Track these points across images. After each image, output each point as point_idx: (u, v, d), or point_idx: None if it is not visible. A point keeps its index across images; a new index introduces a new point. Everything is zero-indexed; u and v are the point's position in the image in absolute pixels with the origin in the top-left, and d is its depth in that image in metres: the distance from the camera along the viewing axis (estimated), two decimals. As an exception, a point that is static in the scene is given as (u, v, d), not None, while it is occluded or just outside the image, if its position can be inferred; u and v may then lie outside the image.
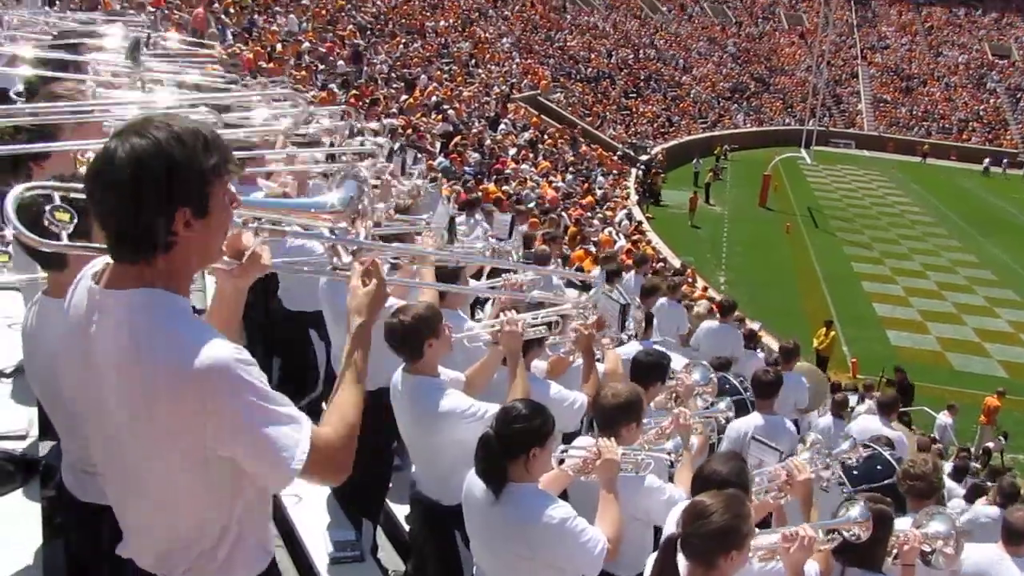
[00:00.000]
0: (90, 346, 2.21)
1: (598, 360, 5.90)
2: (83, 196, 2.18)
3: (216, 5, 22.92)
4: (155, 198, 2.07)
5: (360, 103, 21.13)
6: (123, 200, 2.06)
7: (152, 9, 17.73)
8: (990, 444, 18.17)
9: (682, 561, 3.26)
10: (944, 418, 19.03)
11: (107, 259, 2.26)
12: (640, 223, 30.98)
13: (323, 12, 30.78)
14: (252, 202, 2.52)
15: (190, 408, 2.09)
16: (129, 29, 6.90)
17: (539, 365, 5.12)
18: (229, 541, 2.35)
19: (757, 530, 3.55)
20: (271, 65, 19.81)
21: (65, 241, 2.49)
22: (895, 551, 4.27)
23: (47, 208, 2.48)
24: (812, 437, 4.82)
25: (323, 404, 2.58)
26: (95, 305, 2.21)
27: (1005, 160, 61.30)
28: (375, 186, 8.26)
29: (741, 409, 7.15)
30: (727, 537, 3.19)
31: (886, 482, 5.91)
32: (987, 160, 61.09)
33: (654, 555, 3.56)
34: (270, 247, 2.69)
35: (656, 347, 7.02)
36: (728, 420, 5.42)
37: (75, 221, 2.50)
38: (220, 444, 2.15)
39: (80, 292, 2.31)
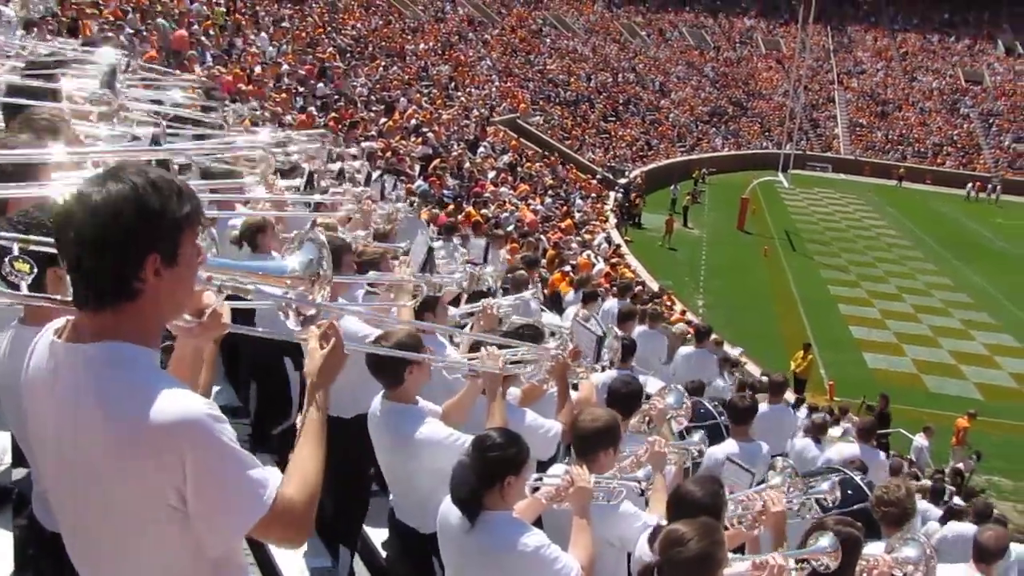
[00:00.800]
0: (52, 401, 2.19)
1: (572, 388, 5.94)
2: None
3: (196, 27, 22.93)
4: (128, 242, 2.08)
5: (339, 126, 21.18)
6: (96, 242, 2.06)
7: (131, 31, 17.71)
8: (960, 465, 18.27)
9: None
10: (920, 440, 19.14)
11: (69, 316, 2.25)
12: (619, 246, 31.10)
13: (303, 35, 30.84)
14: (213, 263, 2.55)
15: (159, 463, 2.07)
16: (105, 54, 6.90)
17: (513, 392, 5.14)
18: None
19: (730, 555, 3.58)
20: (250, 87, 19.83)
21: (24, 292, 2.49)
22: (864, 575, 4.29)
23: (6, 259, 2.48)
24: (782, 462, 4.86)
25: (296, 432, 2.60)
26: (58, 361, 2.20)
27: (992, 185, 61.70)
28: (355, 212, 8.33)
29: (716, 434, 7.19)
30: (703, 564, 3.21)
31: (857, 507, 5.94)
32: (969, 185, 61.50)
33: None
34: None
35: (631, 375, 7.06)
36: (701, 453, 5.45)
37: (34, 272, 2.51)
38: (187, 496, 2.12)
39: (41, 348, 2.28)
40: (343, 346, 2.64)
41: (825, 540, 3.96)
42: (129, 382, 2.10)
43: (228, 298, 2.66)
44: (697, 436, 5.46)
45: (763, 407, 9.79)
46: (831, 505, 4.72)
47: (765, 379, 13.78)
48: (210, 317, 2.56)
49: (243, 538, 2.24)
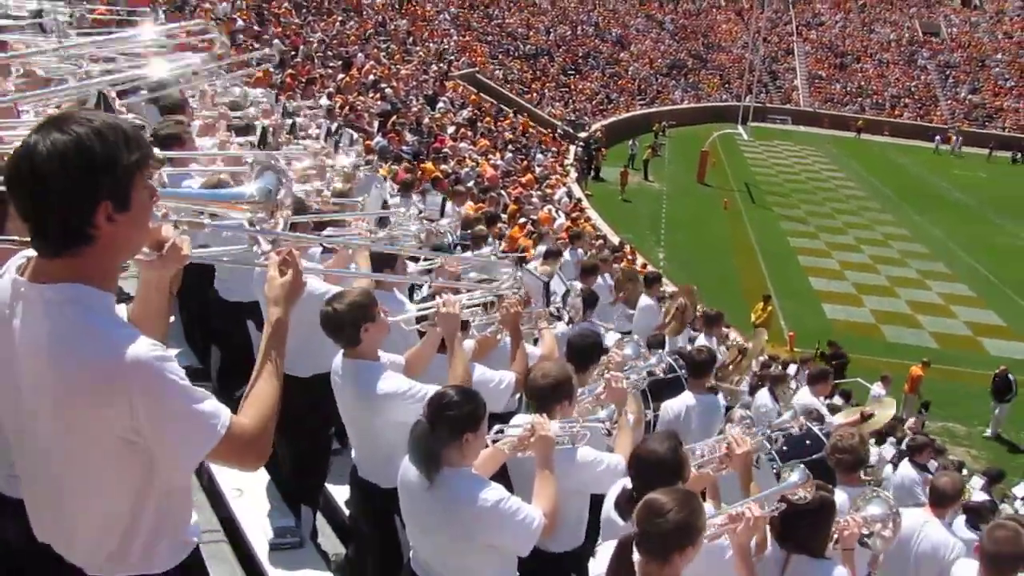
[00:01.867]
0: (11, 337, 2.23)
1: (535, 343, 5.96)
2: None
3: (148, -19, 22.42)
4: (76, 192, 2.09)
5: (296, 82, 20.87)
6: (44, 194, 2.07)
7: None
8: (911, 421, 18.53)
9: (635, 556, 3.30)
10: (878, 389, 19.37)
11: (31, 252, 2.27)
12: (579, 200, 31.09)
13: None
14: (170, 193, 2.52)
15: (109, 403, 2.13)
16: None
17: (467, 344, 5.14)
18: (137, 541, 2.37)
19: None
20: (204, 44, 19.45)
21: None
22: (835, 535, 4.35)
23: None
24: (739, 413, 4.91)
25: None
26: (19, 296, 2.22)
27: (954, 136, 62.24)
28: (311, 168, 8.23)
29: (677, 386, 7.22)
30: (682, 533, 3.23)
31: (815, 456, 6.04)
32: (938, 137, 61.83)
33: (606, 547, 3.59)
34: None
35: (590, 327, 7.09)
36: (664, 372, 5.49)
37: None
38: (143, 432, 2.18)
39: (3, 284, 2.30)
40: (301, 273, 2.68)
41: (796, 475, 4.01)
42: (83, 325, 2.14)
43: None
44: (654, 358, 5.50)
45: (700, 338, 9.94)
46: (800, 431, 4.77)
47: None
48: (170, 249, 2.59)
49: (210, 442, 2.28)
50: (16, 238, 2.46)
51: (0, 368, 2.28)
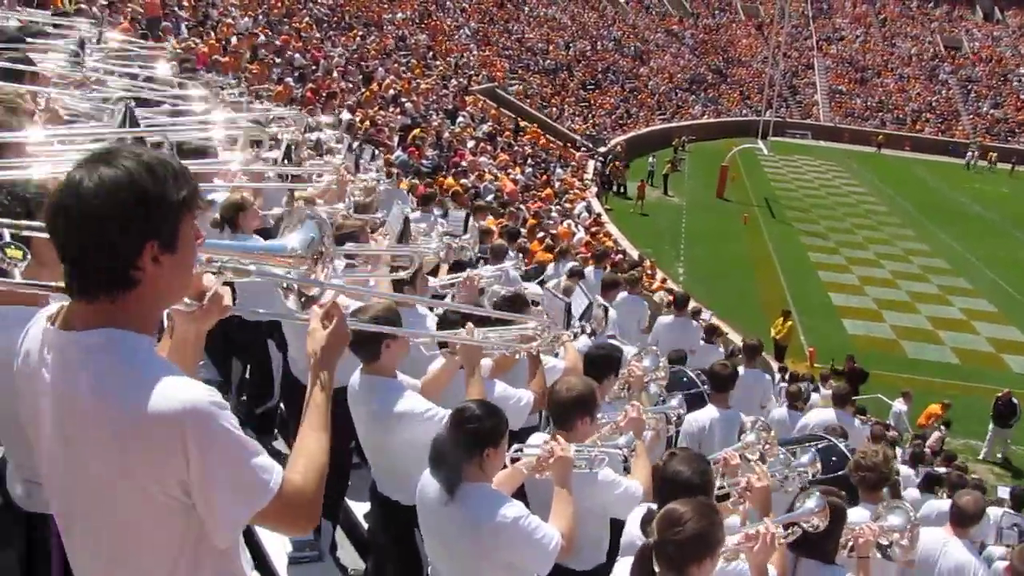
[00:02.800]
0: (48, 393, 2.11)
1: (557, 356, 5.95)
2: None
3: (169, -2, 22.64)
4: (124, 230, 1.99)
5: (317, 97, 21.00)
6: (90, 232, 1.97)
7: (103, 2, 17.45)
8: (933, 436, 18.31)
9: (655, 567, 3.29)
10: (899, 405, 19.29)
11: (63, 301, 2.17)
12: (599, 215, 31.09)
13: (279, 5, 30.51)
14: (211, 244, 2.49)
15: (161, 454, 2.01)
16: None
17: (484, 362, 5.14)
18: None
19: None
20: (226, 59, 19.61)
21: (18, 279, 2.42)
22: (850, 543, 4.33)
23: None
24: (752, 420, 4.89)
25: (278, 411, 2.57)
26: (50, 346, 2.11)
27: (978, 151, 61.81)
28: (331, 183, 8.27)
29: (698, 402, 7.22)
30: (701, 544, 3.21)
31: (840, 473, 6.00)
32: (969, 153, 61.34)
33: (626, 561, 3.58)
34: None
35: (608, 340, 7.08)
36: (680, 417, 5.47)
37: (28, 259, 2.44)
38: (192, 486, 2.06)
39: (33, 333, 2.21)
40: (346, 325, 2.59)
41: (812, 502, 4.01)
42: (128, 370, 2.02)
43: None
44: (675, 400, 5.48)
45: (739, 370, 9.88)
46: (813, 478, 4.75)
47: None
48: (211, 300, 2.49)
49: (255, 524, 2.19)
50: (53, 284, 2.37)
51: (38, 420, 2.17)
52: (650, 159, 44.68)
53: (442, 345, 4.89)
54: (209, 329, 2.61)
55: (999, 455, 19.82)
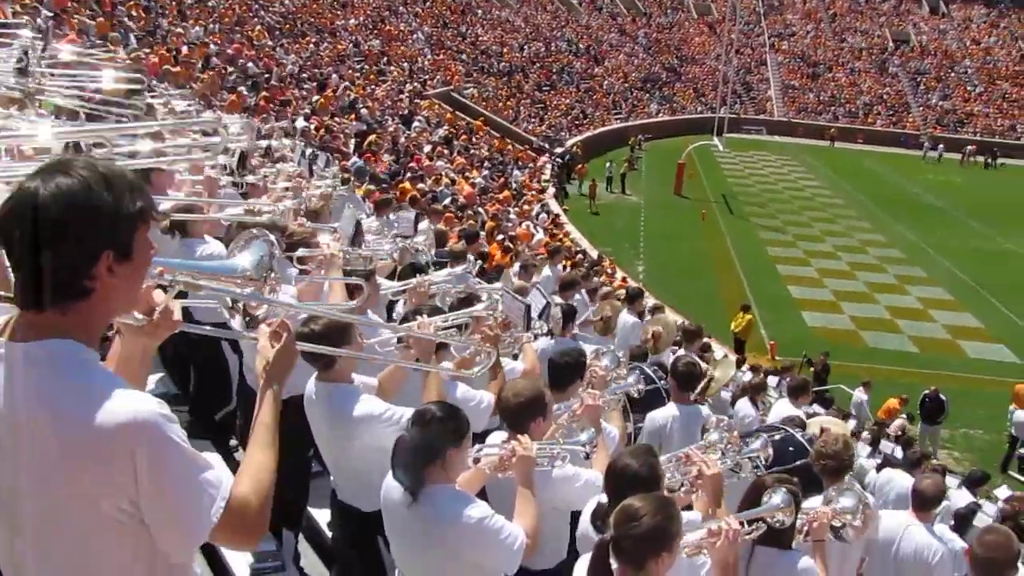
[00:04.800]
0: None
1: (516, 358, 5.95)
2: None
3: (119, 8, 22.34)
4: (80, 240, 2.00)
5: (271, 105, 20.86)
6: (47, 240, 1.96)
7: (48, 14, 17.20)
8: (896, 422, 18.47)
9: (613, 564, 3.28)
10: (860, 395, 19.48)
11: (10, 314, 2.15)
12: (557, 216, 31.15)
13: (230, 13, 30.27)
14: (162, 262, 2.48)
15: (110, 467, 1.99)
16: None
17: (446, 365, 5.13)
18: None
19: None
20: (177, 69, 19.41)
21: None
22: (805, 528, 4.36)
23: None
24: (716, 419, 4.91)
25: (236, 417, 2.55)
26: None
27: (941, 146, 62.77)
28: (286, 189, 8.21)
29: (656, 398, 7.22)
30: (657, 539, 3.21)
31: (798, 463, 6.04)
32: (941, 146, 62.45)
33: (585, 559, 3.57)
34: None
35: (571, 343, 7.08)
36: (640, 393, 5.48)
37: None
38: (141, 501, 2.05)
39: None
40: (295, 343, 2.61)
41: (778, 497, 4.01)
42: (77, 383, 2.01)
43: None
44: (632, 376, 5.48)
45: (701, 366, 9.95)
46: (765, 463, 4.77)
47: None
48: (161, 315, 2.46)
49: (205, 531, 2.14)
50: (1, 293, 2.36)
51: None
52: (608, 164, 44.61)
53: (398, 341, 4.88)
54: (168, 339, 2.58)
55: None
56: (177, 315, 2.51)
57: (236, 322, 2.66)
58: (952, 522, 9.91)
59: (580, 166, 41.57)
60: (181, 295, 2.56)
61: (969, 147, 62.28)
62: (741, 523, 3.84)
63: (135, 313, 2.40)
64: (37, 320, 2.05)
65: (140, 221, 2.10)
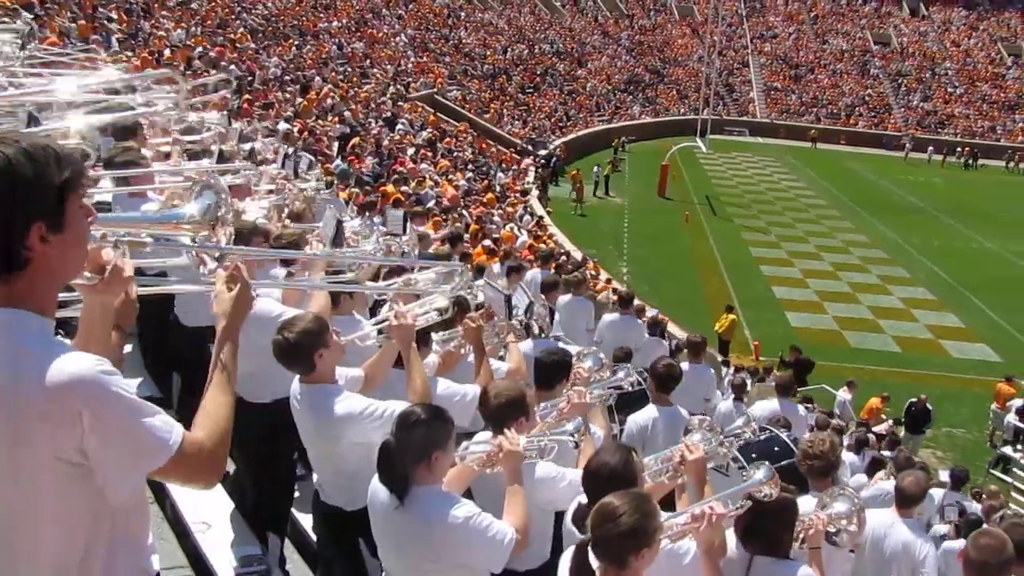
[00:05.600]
0: None
1: (502, 358, 5.94)
2: None
3: (100, 11, 22.24)
4: (8, 215, 2.07)
5: (253, 107, 20.78)
6: None
7: (29, 16, 17.08)
8: (884, 425, 18.57)
9: (594, 562, 3.28)
10: (843, 394, 19.53)
11: None
12: (541, 218, 31.14)
13: (213, 15, 30.15)
14: (108, 218, 2.50)
15: (56, 424, 2.08)
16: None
17: (431, 360, 5.11)
18: (97, 563, 2.30)
19: (665, 513, 3.58)
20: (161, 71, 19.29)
21: None
22: (801, 535, 4.34)
23: None
24: (698, 419, 4.91)
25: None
26: None
27: (931, 148, 63.04)
28: (271, 191, 8.19)
29: (642, 400, 7.23)
30: (637, 536, 3.22)
31: (784, 463, 6.05)
32: (931, 148, 62.71)
33: (567, 556, 3.57)
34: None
35: (558, 343, 7.07)
36: (632, 386, 5.48)
37: None
38: (88, 452, 2.13)
39: None
40: (249, 287, 2.67)
41: (760, 472, 3.98)
42: (19, 348, 2.10)
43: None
44: (621, 372, 5.49)
45: (683, 366, 9.95)
46: (753, 440, 4.77)
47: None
48: (111, 272, 2.56)
49: (157, 478, 2.28)
50: None
51: None
52: (595, 169, 44.42)
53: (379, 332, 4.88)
54: (145, 340, 2.61)
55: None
56: (128, 271, 2.60)
57: (210, 264, 2.74)
58: (949, 521, 10.02)
59: (575, 171, 41.36)
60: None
61: (959, 149, 62.77)
62: (725, 504, 3.83)
63: (85, 273, 2.49)
64: None
65: (69, 191, 2.17)
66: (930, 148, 62.88)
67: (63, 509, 2.21)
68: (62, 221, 2.16)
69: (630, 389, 5.62)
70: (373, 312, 6.96)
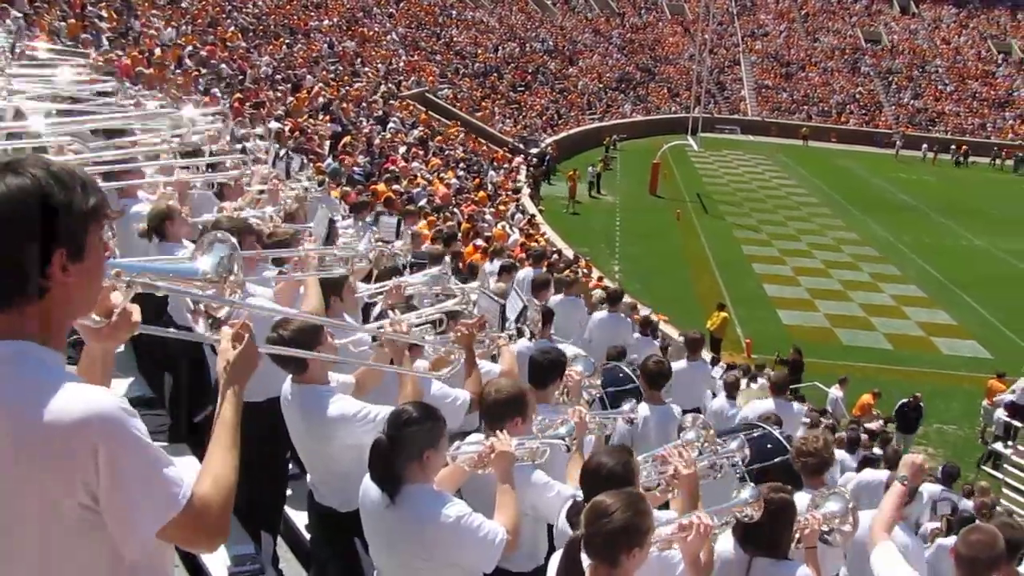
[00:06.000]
0: None
1: (493, 359, 5.94)
2: None
3: (90, 9, 22.15)
4: (32, 238, 1.99)
5: (244, 107, 20.72)
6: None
7: (18, 14, 17.03)
8: (875, 423, 18.62)
9: (585, 560, 3.29)
10: (835, 392, 19.59)
11: None
12: (533, 216, 31.14)
13: (203, 13, 30.07)
14: (123, 265, 2.47)
15: (70, 462, 1.98)
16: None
17: (421, 364, 5.12)
18: None
19: (655, 512, 3.60)
20: (151, 71, 19.25)
21: None
22: (797, 535, 4.36)
23: None
24: (691, 418, 4.93)
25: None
26: None
27: (925, 145, 63.16)
28: (261, 191, 8.18)
29: (636, 396, 7.24)
30: (628, 535, 3.23)
31: (777, 460, 6.08)
32: (924, 146, 62.93)
33: (558, 555, 3.58)
34: None
35: (552, 344, 7.08)
36: (632, 421, 5.49)
37: None
38: (100, 496, 2.02)
39: None
40: (255, 346, 2.60)
41: (746, 492, 4.01)
42: (33, 381, 2.00)
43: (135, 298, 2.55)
44: (628, 405, 5.50)
45: (681, 363, 9.97)
46: (742, 462, 4.79)
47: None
48: (120, 316, 2.45)
49: (161, 540, 2.13)
50: None
51: None
52: (590, 169, 44.27)
53: (375, 339, 4.88)
54: (134, 338, 2.56)
55: None
56: (136, 317, 2.50)
57: (201, 325, 2.66)
58: (942, 516, 10.05)
59: (572, 171, 41.26)
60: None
61: (952, 147, 62.97)
62: (711, 517, 3.85)
63: (93, 315, 2.39)
64: None
65: (93, 219, 2.10)
66: (924, 145, 63.02)
67: (73, 558, 2.09)
68: (83, 250, 2.07)
69: (627, 423, 5.60)
70: (365, 313, 6.97)
